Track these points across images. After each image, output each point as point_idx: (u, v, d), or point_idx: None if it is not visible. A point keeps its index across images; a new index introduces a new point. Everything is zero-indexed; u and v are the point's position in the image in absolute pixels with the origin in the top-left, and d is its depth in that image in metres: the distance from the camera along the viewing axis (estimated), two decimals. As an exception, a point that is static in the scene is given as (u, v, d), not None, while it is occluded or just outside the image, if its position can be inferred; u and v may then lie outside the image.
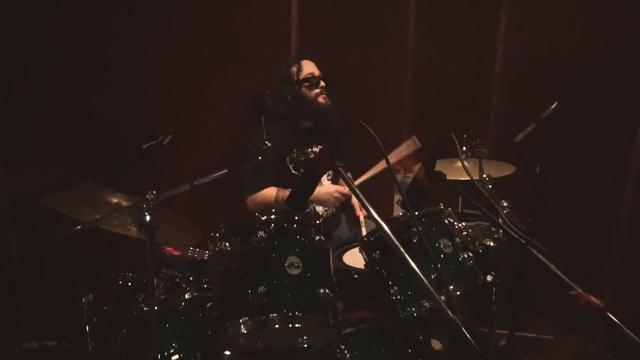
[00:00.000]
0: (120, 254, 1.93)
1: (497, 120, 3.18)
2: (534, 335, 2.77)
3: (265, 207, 2.15)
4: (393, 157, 2.12)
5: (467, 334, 0.84)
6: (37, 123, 2.26)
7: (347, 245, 2.19)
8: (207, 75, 2.58)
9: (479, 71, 3.19)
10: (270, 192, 2.21)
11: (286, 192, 2.14)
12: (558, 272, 0.94)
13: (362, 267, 1.72)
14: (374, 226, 1.36)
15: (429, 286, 0.99)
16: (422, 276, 1.04)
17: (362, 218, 2.38)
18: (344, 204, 2.48)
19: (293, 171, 2.26)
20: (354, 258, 2.03)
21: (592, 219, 2.64)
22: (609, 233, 2.52)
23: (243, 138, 2.22)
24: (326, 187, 2.30)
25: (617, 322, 0.80)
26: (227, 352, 1.80)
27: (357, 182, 2.10)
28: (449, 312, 0.88)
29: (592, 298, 0.85)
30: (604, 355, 0.79)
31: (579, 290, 0.88)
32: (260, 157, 1.28)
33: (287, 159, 2.28)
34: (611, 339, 0.83)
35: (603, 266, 2.56)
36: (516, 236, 1.09)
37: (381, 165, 2.10)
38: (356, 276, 1.91)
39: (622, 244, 2.47)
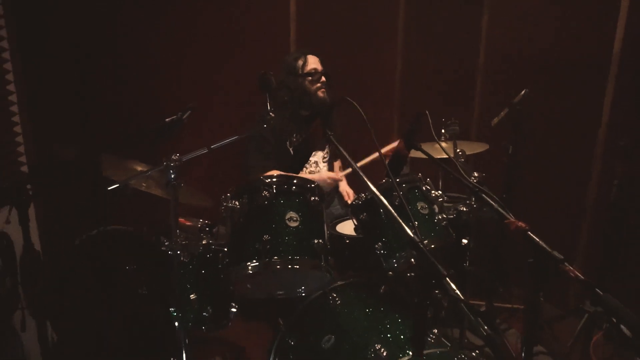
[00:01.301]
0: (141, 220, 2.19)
1: (480, 108, 3.44)
2: (510, 305, 3.04)
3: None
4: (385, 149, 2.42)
5: (427, 254, 1.08)
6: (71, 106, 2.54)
7: (340, 218, 2.47)
8: (215, 63, 2.84)
9: (463, 63, 3.45)
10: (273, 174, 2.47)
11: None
12: (499, 209, 1.20)
13: (351, 234, 1.99)
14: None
15: (403, 224, 1.23)
16: (399, 219, 1.28)
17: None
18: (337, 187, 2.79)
19: (293, 154, 2.55)
20: (346, 228, 2.31)
21: (563, 193, 2.92)
22: (579, 206, 2.81)
23: (247, 117, 2.48)
24: (320, 174, 2.57)
25: (537, 239, 1.06)
26: (234, 310, 2.08)
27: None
28: (410, 233, 1.13)
29: (520, 223, 1.11)
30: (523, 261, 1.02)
31: (512, 218, 1.15)
32: (265, 125, 1.54)
33: (287, 143, 2.54)
34: (534, 255, 1.07)
35: (574, 236, 2.85)
36: (470, 185, 1.35)
37: (373, 155, 2.38)
38: (347, 241, 2.18)
39: (591, 216, 2.76)
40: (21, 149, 2.49)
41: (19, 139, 2.48)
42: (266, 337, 2.48)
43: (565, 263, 0.98)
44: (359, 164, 2.38)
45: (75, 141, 2.32)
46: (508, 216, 1.15)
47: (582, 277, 0.94)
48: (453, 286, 0.99)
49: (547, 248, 1.02)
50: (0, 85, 2.38)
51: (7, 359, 2.16)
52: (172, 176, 1.47)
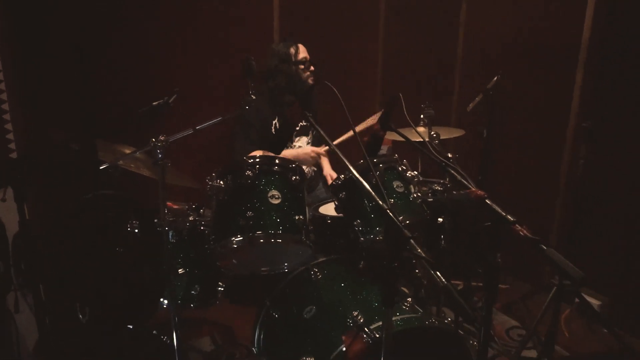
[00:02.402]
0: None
1: (459, 96, 3.56)
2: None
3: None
4: (360, 126, 2.53)
5: (394, 218, 1.18)
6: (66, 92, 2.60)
7: (322, 201, 2.58)
8: (203, 52, 2.92)
9: (442, 52, 3.57)
10: (256, 155, 2.57)
11: (269, 154, 2.52)
12: (462, 180, 1.32)
13: (333, 214, 2.10)
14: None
15: (374, 194, 1.33)
16: (370, 190, 1.37)
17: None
18: (320, 168, 2.88)
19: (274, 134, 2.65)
20: (328, 209, 2.41)
21: (538, 174, 3.07)
22: (553, 185, 2.96)
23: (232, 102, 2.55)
24: (304, 148, 2.67)
25: (493, 205, 1.17)
26: (221, 288, 2.18)
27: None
28: (380, 201, 1.23)
29: (479, 191, 1.22)
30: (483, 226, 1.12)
31: (473, 188, 1.26)
32: (247, 107, 1.63)
33: (272, 127, 2.65)
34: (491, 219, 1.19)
35: (548, 214, 3.00)
36: (438, 160, 1.45)
37: (348, 134, 2.50)
38: (329, 221, 2.28)
39: (564, 194, 2.91)
40: (10, 136, 2.55)
41: (8, 126, 2.54)
42: (253, 317, 2.59)
43: (517, 224, 1.09)
44: (335, 142, 2.49)
45: (65, 127, 2.38)
46: (470, 186, 1.26)
47: (530, 235, 1.06)
48: (417, 247, 1.09)
49: (502, 212, 1.13)
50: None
51: (2, 339, 2.24)
52: (160, 156, 1.56)
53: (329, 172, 2.88)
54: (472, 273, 3.16)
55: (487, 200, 1.18)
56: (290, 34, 2.94)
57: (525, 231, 1.06)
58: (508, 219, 1.11)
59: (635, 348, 2.46)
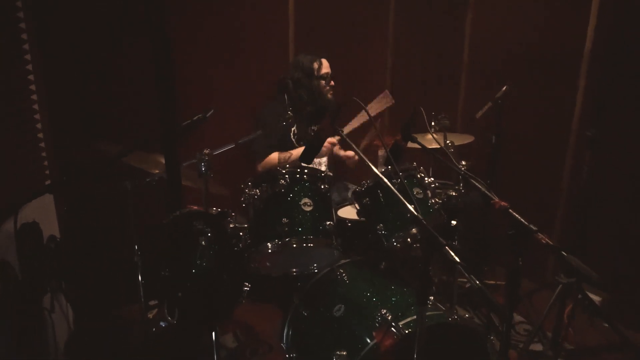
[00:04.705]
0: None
1: (465, 101, 3.71)
2: (494, 282, 3.34)
3: (271, 168, 2.67)
4: (372, 110, 2.67)
5: (429, 228, 1.32)
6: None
7: (340, 204, 2.72)
8: (217, 61, 2.99)
9: (449, 59, 3.70)
10: (273, 156, 2.73)
11: (286, 154, 2.71)
12: (486, 191, 1.45)
13: (353, 218, 2.23)
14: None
15: (408, 205, 1.46)
16: (402, 197, 1.50)
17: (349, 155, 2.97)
18: (336, 164, 3.04)
19: (296, 144, 2.80)
20: (346, 212, 2.55)
21: (541, 179, 3.22)
22: (555, 190, 3.11)
23: (250, 113, 2.69)
24: None
25: (516, 215, 1.32)
26: (247, 288, 2.31)
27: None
28: (415, 213, 1.36)
29: (503, 202, 1.36)
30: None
31: (496, 199, 1.40)
32: (284, 123, 1.76)
33: (291, 134, 2.79)
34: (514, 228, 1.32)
35: (551, 214, 3.15)
36: (460, 171, 1.59)
37: (362, 118, 2.63)
38: (349, 224, 2.43)
39: (566, 199, 3.06)
40: (42, 144, 2.66)
41: (40, 135, 2.65)
42: (274, 315, 2.72)
43: (539, 233, 1.23)
44: (348, 126, 2.64)
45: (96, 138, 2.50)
46: (493, 197, 1.40)
47: (551, 243, 1.20)
48: (452, 252, 1.24)
49: (524, 222, 1.28)
50: (23, 86, 2.53)
51: (39, 336, 2.39)
52: (204, 169, 1.69)
53: (345, 154, 3.02)
54: (479, 270, 3.34)
55: (510, 210, 1.32)
56: (302, 42, 3.07)
57: (547, 239, 1.20)
58: (531, 228, 1.25)
59: (635, 341, 2.62)
